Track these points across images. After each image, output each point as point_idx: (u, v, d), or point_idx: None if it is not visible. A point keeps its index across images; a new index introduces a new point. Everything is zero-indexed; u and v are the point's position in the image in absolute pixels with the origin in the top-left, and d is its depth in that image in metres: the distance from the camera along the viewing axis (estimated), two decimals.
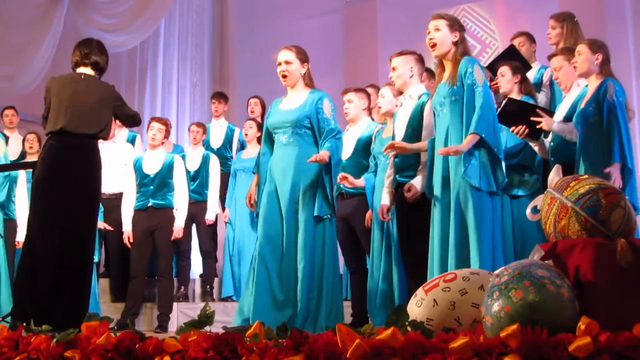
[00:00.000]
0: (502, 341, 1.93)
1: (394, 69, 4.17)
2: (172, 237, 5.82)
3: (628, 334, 1.90)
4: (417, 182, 3.96)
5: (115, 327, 4.93)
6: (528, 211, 2.62)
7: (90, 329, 2.54)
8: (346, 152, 4.88)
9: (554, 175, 2.52)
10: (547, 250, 2.28)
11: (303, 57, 4.17)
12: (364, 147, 4.79)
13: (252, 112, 6.94)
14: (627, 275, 2.15)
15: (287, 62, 4.14)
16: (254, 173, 4.88)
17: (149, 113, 8.85)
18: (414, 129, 4.04)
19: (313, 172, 4.02)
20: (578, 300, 2.11)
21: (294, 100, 4.16)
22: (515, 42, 4.98)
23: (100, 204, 5.98)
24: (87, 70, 4.23)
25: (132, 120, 4.45)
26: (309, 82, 4.20)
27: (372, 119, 5.06)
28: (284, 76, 4.15)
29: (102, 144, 6.63)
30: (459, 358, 1.94)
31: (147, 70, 9.11)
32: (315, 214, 3.99)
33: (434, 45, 3.73)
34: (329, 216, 4.04)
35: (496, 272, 2.28)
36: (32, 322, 2.91)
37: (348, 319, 4.75)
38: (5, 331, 2.80)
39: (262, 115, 6.74)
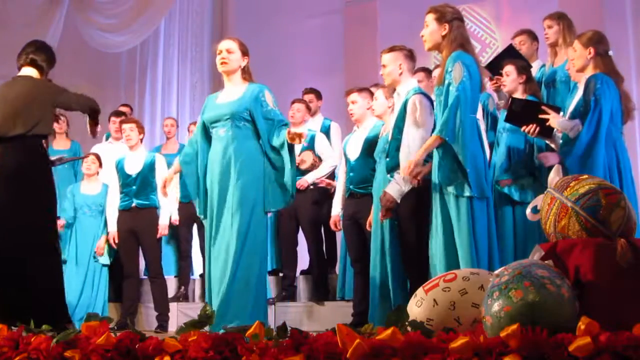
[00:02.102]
0: (502, 341, 1.93)
1: (384, 66, 4.11)
2: (158, 235, 5.81)
3: (628, 334, 1.90)
4: (392, 189, 3.89)
5: (115, 327, 4.93)
6: (528, 211, 2.62)
7: (90, 329, 2.54)
8: (354, 153, 4.85)
9: (554, 175, 2.52)
10: (547, 250, 2.28)
11: (245, 50, 4.09)
12: (372, 147, 4.76)
13: None
14: (627, 275, 2.15)
15: (228, 51, 4.05)
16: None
17: (149, 113, 8.87)
18: (400, 129, 3.99)
19: (254, 165, 3.96)
20: (578, 300, 2.11)
21: (232, 94, 4.06)
22: (517, 40, 4.97)
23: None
24: (28, 70, 4.22)
25: (84, 106, 4.28)
26: (247, 76, 4.10)
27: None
28: (223, 63, 4.05)
29: (104, 144, 6.69)
30: (459, 358, 1.94)
31: (147, 70, 9.12)
32: (268, 208, 3.97)
33: (425, 42, 3.73)
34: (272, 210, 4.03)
35: (496, 272, 2.28)
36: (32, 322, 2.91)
37: (348, 318, 4.76)
38: (5, 331, 2.79)
39: None
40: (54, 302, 3.96)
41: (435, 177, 3.62)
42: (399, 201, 3.88)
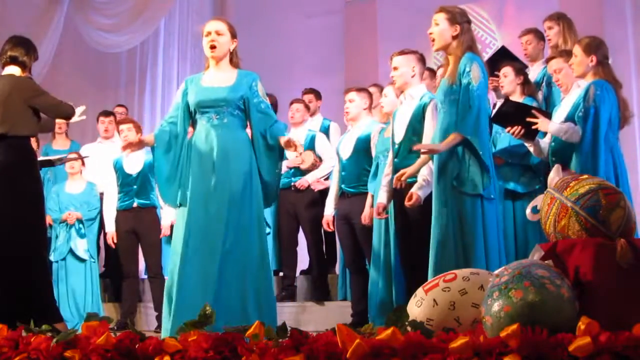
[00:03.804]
0: (502, 341, 1.94)
1: (395, 68, 4.13)
2: (161, 236, 5.80)
3: (628, 334, 1.91)
4: (421, 191, 3.87)
5: (115, 327, 4.94)
6: (528, 211, 2.62)
7: (90, 329, 2.54)
8: (346, 152, 4.87)
9: (554, 175, 2.52)
10: (547, 250, 2.28)
11: (234, 33, 3.86)
12: (363, 147, 4.77)
13: None
14: (627, 275, 2.15)
15: (217, 33, 3.78)
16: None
17: (149, 113, 8.85)
18: (415, 129, 4.00)
19: (247, 156, 3.76)
20: (578, 300, 2.11)
21: (222, 79, 3.80)
22: (523, 40, 4.96)
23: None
24: (11, 69, 4.19)
25: (56, 110, 4.24)
26: (236, 61, 3.89)
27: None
28: (213, 46, 3.76)
29: (94, 144, 6.68)
30: (459, 358, 1.94)
31: (147, 70, 9.10)
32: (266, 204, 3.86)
33: (433, 40, 3.71)
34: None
35: (496, 272, 2.28)
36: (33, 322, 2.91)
37: (348, 318, 4.76)
38: (5, 331, 2.79)
39: None
40: (40, 301, 3.94)
41: (439, 172, 3.61)
42: (422, 202, 3.88)
